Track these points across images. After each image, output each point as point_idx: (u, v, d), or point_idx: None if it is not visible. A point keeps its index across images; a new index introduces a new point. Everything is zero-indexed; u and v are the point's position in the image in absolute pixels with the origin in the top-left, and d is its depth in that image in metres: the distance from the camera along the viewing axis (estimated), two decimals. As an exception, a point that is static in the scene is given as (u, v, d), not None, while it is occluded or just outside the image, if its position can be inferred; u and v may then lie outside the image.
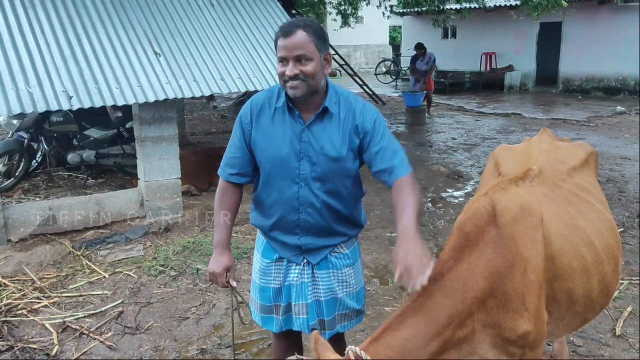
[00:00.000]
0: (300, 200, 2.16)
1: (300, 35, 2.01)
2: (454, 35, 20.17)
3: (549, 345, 3.25)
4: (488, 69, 18.44)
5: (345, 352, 1.84)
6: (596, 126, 11.37)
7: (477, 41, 18.53)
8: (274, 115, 2.16)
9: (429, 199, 6.55)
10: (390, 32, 29.62)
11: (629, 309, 3.78)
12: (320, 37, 2.07)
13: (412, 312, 1.87)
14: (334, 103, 2.16)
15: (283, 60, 2.05)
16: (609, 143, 9.58)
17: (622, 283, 4.17)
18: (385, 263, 4.71)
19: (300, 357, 2.00)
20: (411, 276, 1.71)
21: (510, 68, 18.02)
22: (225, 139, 8.78)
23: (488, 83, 18.05)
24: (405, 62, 21.65)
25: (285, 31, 2.04)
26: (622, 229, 5.32)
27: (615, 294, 4.00)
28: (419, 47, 12.42)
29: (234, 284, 2.27)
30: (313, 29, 2.05)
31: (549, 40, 17.21)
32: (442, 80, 18.07)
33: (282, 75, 2.06)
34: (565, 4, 9.81)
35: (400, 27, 24.61)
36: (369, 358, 1.77)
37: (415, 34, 21.71)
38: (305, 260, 2.27)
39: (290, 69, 2.02)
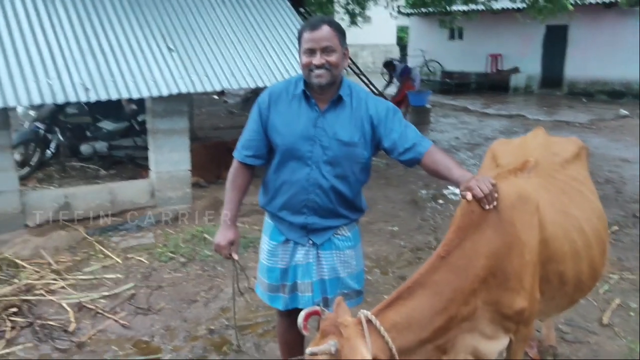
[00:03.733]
0: (309, 182, 2.35)
1: (326, 30, 2.25)
2: (460, 36, 20.31)
3: (537, 332, 3.44)
4: (494, 70, 18.57)
5: (357, 315, 2.01)
6: (598, 129, 11.51)
7: (483, 42, 18.68)
8: (291, 102, 2.36)
9: (431, 196, 6.73)
10: (398, 32, 29.75)
11: (617, 300, 3.96)
12: (342, 34, 2.31)
13: (420, 284, 2.03)
14: (347, 94, 2.37)
15: (309, 52, 2.26)
16: (609, 145, 9.73)
17: (613, 277, 4.35)
18: (386, 255, 4.89)
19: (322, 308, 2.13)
20: (489, 198, 2.00)
21: (515, 70, 18.15)
22: (233, 134, 8.98)
23: (493, 84, 18.18)
24: (411, 62, 21.82)
25: (313, 25, 2.27)
26: (617, 228, 5.49)
27: (606, 287, 4.19)
28: (386, 65, 12.69)
29: (235, 256, 2.48)
30: (336, 26, 2.29)
31: (555, 43, 17.33)
32: (447, 80, 18.23)
33: (307, 65, 2.27)
34: (571, 7, 9.92)
35: (407, 27, 24.75)
36: (378, 322, 1.92)
37: (422, 34, 21.89)
38: (310, 242, 2.46)
39: (317, 59, 2.24)
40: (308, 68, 2.27)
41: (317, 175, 2.35)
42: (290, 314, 2.65)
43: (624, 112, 13.38)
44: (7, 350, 3.40)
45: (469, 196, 2.03)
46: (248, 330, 3.71)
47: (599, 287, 4.20)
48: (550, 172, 2.54)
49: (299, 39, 2.32)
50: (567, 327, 3.64)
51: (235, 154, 2.50)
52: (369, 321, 1.94)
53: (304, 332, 2.12)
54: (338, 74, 2.30)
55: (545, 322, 3.30)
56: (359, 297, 2.64)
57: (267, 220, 2.62)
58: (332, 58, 2.25)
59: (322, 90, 2.31)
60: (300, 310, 2.64)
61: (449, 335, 2.08)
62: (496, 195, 2.04)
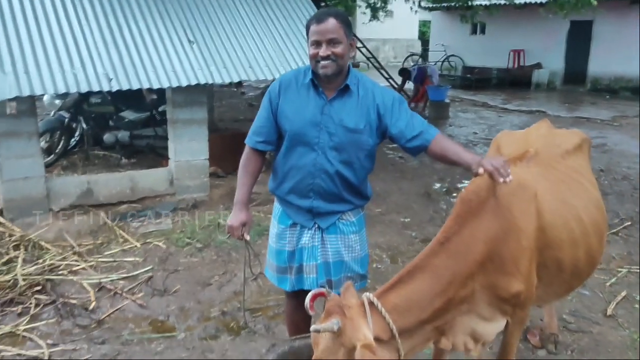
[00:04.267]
0: (316, 167, 2.47)
1: (332, 22, 2.35)
2: (483, 31, 20.18)
3: (540, 320, 3.51)
4: (516, 66, 18.41)
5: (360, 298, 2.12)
6: (620, 125, 11.40)
7: (506, 38, 18.54)
8: (300, 90, 2.49)
9: (444, 189, 6.79)
10: (420, 26, 29.62)
11: (623, 293, 4.00)
12: (348, 25, 2.42)
13: (420, 269, 2.13)
14: (354, 83, 2.48)
15: (316, 44, 2.38)
16: (630, 142, 9.64)
17: (621, 271, 4.38)
18: (397, 245, 4.99)
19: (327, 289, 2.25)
20: (501, 172, 2.07)
21: (538, 66, 17.98)
22: (250, 127, 9.00)
23: (515, 80, 18.03)
24: (432, 57, 21.74)
25: (319, 18, 2.38)
26: (629, 223, 5.50)
27: (613, 280, 4.23)
28: (401, 72, 13.15)
29: (247, 237, 2.59)
30: (342, 18, 2.40)
31: (579, 39, 17.13)
32: (468, 76, 18.13)
33: (314, 56, 2.39)
34: (595, 3, 9.80)
35: (429, 22, 24.64)
36: (379, 304, 2.02)
37: (444, 29, 21.79)
38: (316, 225, 2.57)
39: (323, 50, 2.35)
40: (315, 59, 2.39)
41: (323, 161, 2.46)
42: (298, 296, 2.77)
43: (647, 109, 13.20)
44: (31, 325, 3.60)
45: (481, 170, 2.12)
46: (259, 312, 3.85)
47: (606, 280, 4.25)
48: (550, 162, 2.61)
49: (307, 31, 2.43)
50: (571, 317, 3.70)
51: (246, 140, 2.63)
52: (371, 303, 2.04)
53: (310, 312, 2.24)
54: (344, 64, 2.40)
55: (547, 311, 3.37)
56: (363, 281, 2.75)
57: (276, 205, 2.75)
58: (338, 49, 2.35)
59: (328, 80, 2.42)
60: (306, 291, 2.78)
61: (447, 317, 2.17)
62: (509, 170, 2.09)
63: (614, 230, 5.29)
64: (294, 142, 2.50)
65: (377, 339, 1.96)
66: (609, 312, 3.75)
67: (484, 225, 2.19)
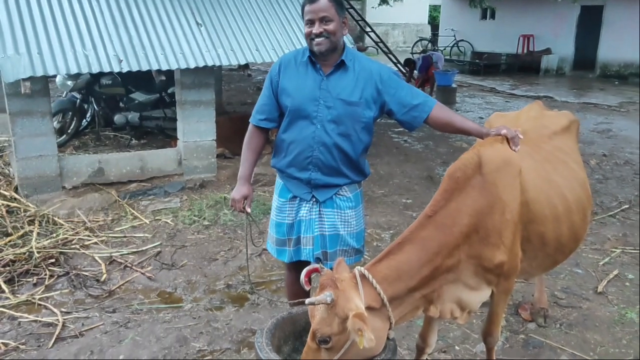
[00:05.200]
0: (315, 140, 2.61)
1: (324, 2, 2.51)
2: (492, 16, 20.07)
3: (532, 296, 3.65)
4: (525, 51, 18.34)
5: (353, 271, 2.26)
6: (627, 112, 11.40)
7: (515, 23, 18.44)
8: (299, 68, 2.64)
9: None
10: (430, 11, 29.43)
11: (616, 272, 4.13)
12: (339, 4, 2.57)
13: (409, 240, 2.27)
14: (350, 59, 2.62)
15: (309, 22, 2.53)
16: (635, 128, 9.66)
17: (615, 251, 4.50)
18: (397, 224, 5.12)
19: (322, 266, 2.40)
20: (515, 141, 2.45)
21: (547, 51, 17.90)
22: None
23: (524, 66, 17.99)
24: (442, 42, 21.66)
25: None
26: (627, 206, 5.60)
27: (606, 260, 4.35)
28: (407, 63, 13.27)
29: (249, 210, 2.77)
30: None
31: (589, 24, 17.01)
32: (477, 61, 18.08)
33: (309, 34, 2.54)
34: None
35: (439, 6, 24.50)
36: (370, 276, 2.16)
37: (453, 14, 21.68)
38: (314, 199, 2.72)
39: (316, 28, 2.51)
40: (309, 37, 2.54)
41: (322, 133, 2.60)
42: (297, 268, 2.91)
43: (655, 95, 13.17)
44: (46, 295, 3.79)
45: (504, 132, 2.44)
46: (262, 286, 4.01)
47: (600, 260, 4.37)
48: (537, 142, 2.72)
49: (302, 11, 2.57)
50: (562, 294, 3.83)
51: (250, 119, 2.79)
52: (362, 275, 2.19)
53: (306, 287, 2.40)
54: (337, 41, 2.55)
55: (537, 286, 3.51)
56: (358, 255, 2.88)
57: (278, 179, 2.90)
58: (330, 27, 2.50)
59: (324, 57, 2.57)
60: (304, 263, 2.94)
61: (434, 285, 2.31)
62: (519, 138, 2.45)
63: (612, 213, 5.40)
64: (294, 117, 2.64)
65: (369, 308, 2.09)
66: (600, 289, 3.88)
67: (469, 199, 2.31)
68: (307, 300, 2.13)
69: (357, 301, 2.08)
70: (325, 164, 2.64)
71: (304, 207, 2.75)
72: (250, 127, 2.80)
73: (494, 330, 2.67)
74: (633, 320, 3.50)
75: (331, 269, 2.71)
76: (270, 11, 6.41)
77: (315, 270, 2.37)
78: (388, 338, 2.24)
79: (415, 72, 12.62)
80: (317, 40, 2.51)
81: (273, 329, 2.44)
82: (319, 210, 2.74)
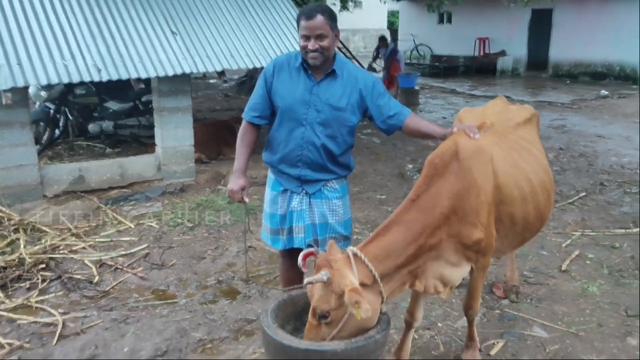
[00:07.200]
0: (304, 140, 2.84)
1: (320, 19, 2.72)
2: (449, 20, 20.75)
3: (504, 276, 3.97)
4: (481, 53, 19.05)
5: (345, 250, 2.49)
6: (579, 108, 12.05)
7: (471, 26, 19.14)
8: (292, 72, 2.86)
9: (417, 169, 7.23)
10: (388, 16, 30.10)
11: (577, 252, 4.51)
12: (333, 20, 2.78)
13: (395, 223, 2.51)
14: (339, 67, 2.86)
15: (305, 37, 2.75)
16: (587, 123, 10.27)
17: (575, 234, 4.89)
18: (374, 219, 5.39)
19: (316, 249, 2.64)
20: (471, 130, 2.69)
21: (502, 53, 18.64)
22: (228, 116, 9.36)
23: (481, 67, 18.69)
24: (402, 47, 22.19)
25: (308, 15, 2.73)
26: (584, 194, 6.04)
27: (568, 242, 4.72)
28: (381, 39, 13.11)
29: (246, 200, 2.97)
30: (328, 13, 2.76)
31: (540, 27, 17.83)
32: (437, 64, 18.66)
33: (304, 47, 2.76)
34: (553, -9, 10.34)
35: (398, 12, 25.11)
36: (362, 254, 2.39)
37: (412, 19, 22.28)
38: (304, 191, 2.95)
39: (312, 45, 2.72)
40: (305, 50, 2.76)
41: (311, 134, 2.84)
42: (290, 255, 3.14)
43: (604, 92, 13.93)
44: (42, 298, 3.89)
45: (456, 129, 2.69)
46: (252, 280, 4.20)
47: (562, 242, 4.75)
48: (503, 132, 3.04)
49: (298, 23, 2.80)
50: (531, 273, 4.17)
51: (243, 115, 3.00)
52: (355, 255, 2.42)
53: (303, 269, 2.63)
54: (330, 55, 2.79)
55: (509, 266, 3.83)
56: (346, 242, 3.11)
57: (270, 175, 3.12)
58: (325, 43, 2.73)
59: (317, 67, 2.80)
60: (296, 251, 3.16)
61: (419, 262, 2.56)
62: (477, 130, 2.69)
63: (571, 201, 5.82)
64: (285, 118, 2.87)
65: (362, 284, 2.33)
66: (564, 267, 4.24)
67: (448, 184, 2.58)
68: (305, 280, 2.35)
69: (351, 277, 2.31)
70: (314, 162, 2.88)
71: (295, 199, 2.98)
72: (243, 123, 3.01)
73: (474, 304, 2.94)
74: (594, 293, 3.86)
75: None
76: (242, 19, 6.62)
77: (311, 253, 2.59)
78: (381, 312, 2.49)
79: (382, 55, 12.75)
80: (312, 55, 2.73)
81: (276, 309, 2.65)
82: (309, 201, 2.97)
